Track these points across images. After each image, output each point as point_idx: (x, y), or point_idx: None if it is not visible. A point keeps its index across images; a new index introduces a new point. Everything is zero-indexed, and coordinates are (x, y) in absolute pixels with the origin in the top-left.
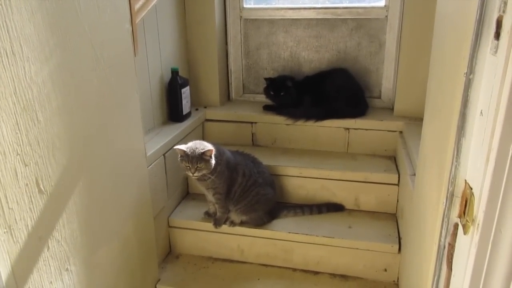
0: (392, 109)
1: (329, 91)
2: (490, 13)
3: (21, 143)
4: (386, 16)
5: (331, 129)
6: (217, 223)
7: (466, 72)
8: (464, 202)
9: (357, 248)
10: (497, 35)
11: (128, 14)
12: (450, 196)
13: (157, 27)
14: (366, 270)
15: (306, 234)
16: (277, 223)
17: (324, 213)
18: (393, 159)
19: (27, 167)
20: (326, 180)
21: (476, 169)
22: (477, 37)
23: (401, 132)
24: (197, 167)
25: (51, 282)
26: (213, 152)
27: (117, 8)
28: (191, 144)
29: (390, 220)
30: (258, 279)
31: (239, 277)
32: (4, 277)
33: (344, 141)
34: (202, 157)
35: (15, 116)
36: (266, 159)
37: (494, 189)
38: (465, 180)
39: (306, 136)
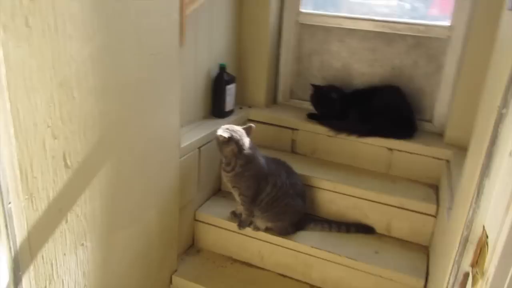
0: (443, 135)
1: (377, 108)
2: None
3: (53, 116)
4: (449, 37)
5: (374, 147)
6: (241, 225)
7: (500, 105)
8: (478, 251)
9: (380, 276)
10: None
11: (178, 4)
12: (464, 241)
13: (211, 21)
14: None
15: (329, 251)
16: (301, 235)
17: (352, 232)
18: (435, 188)
19: (56, 140)
20: (360, 199)
21: (495, 216)
22: None
23: (448, 161)
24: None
25: (65, 254)
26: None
27: None
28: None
29: (422, 252)
30: None
31: (255, 282)
32: (18, 241)
33: (385, 161)
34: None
35: (51, 90)
36: (301, 168)
37: (510, 242)
38: (483, 226)
39: (347, 151)
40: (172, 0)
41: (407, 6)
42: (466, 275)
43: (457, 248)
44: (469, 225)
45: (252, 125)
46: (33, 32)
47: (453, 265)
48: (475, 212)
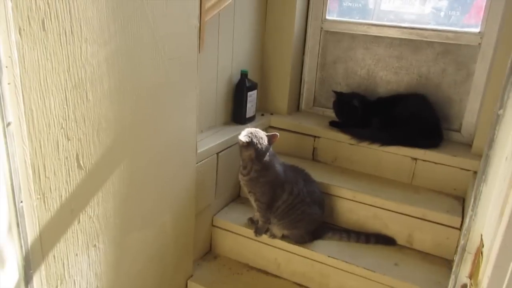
0: (471, 145)
1: (401, 116)
2: None
3: (67, 118)
4: (479, 44)
5: (397, 156)
6: (258, 232)
7: (496, 107)
8: (476, 261)
9: None
10: None
11: (197, 11)
12: (461, 251)
13: (233, 27)
14: None
15: (346, 262)
16: (319, 243)
17: (371, 243)
18: (461, 200)
19: (69, 141)
20: (380, 209)
21: (491, 224)
22: None
23: (475, 172)
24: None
25: (76, 254)
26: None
27: (186, 3)
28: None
29: (444, 266)
30: None
31: None
32: (30, 240)
33: (409, 171)
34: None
35: (65, 92)
36: (322, 176)
37: (504, 252)
38: (481, 235)
39: (368, 160)
40: (191, 6)
41: (442, 14)
42: (464, 287)
43: (455, 259)
44: (466, 234)
45: (277, 134)
46: (49, 35)
47: (450, 276)
48: (472, 220)
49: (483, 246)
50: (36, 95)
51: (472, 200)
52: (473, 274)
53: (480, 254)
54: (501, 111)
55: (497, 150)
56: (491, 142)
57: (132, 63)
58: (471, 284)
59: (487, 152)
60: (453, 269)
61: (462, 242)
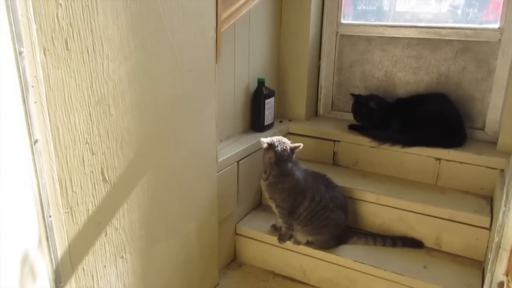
0: (496, 143)
1: (422, 116)
2: None
3: (91, 133)
4: (499, 40)
5: (420, 157)
6: (281, 239)
7: None
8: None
9: None
10: None
11: (214, 22)
12: (496, 248)
13: (248, 36)
14: None
15: (374, 266)
16: (344, 248)
17: (398, 246)
18: (490, 199)
19: (94, 156)
20: (406, 211)
21: None
22: None
23: (502, 170)
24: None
25: (105, 266)
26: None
27: (203, 15)
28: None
29: (475, 268)
30: None
31: None
32: (59, 254)
33: (433, 172)
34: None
35: (89, 108)
36: (343, 181)
37: None
38: None
39: (391, 162)
40: (207, 17)
41: (459, 11)
42: (501, 285)
43: (490, 256)
44: (500, 230)
45: (301, 144)
46: (72, 54)
47: (485, 275)
48: (506, 216)
49: None
50: (61, 112)
51: (505, 195)
52: (510, 271)
53: None
54: None
55: None
56: None
57: (152, 77)
58: (508, 281)
59: None
60: (489, 267)
61: (496, 239)
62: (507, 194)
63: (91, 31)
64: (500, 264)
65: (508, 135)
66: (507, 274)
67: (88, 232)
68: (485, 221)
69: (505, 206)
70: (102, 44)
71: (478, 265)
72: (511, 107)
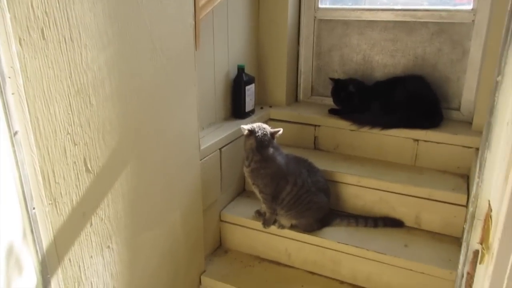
0: (471, 123)
1: (400, 98)
2: None
3: (72, 123)
4: (473, 21)
5: (399, 139)
6: (266, 223)
7: (495, 74)
8: (486, 226)
9: (411, 270)
10: None
11: (192, 9)
12: (471, 218)
13: (227, 23)
14: None
15: (356, 247)
16: (328, 231)
17: (380, 227)
18: (466, 178)
19: (76, 146)
20: (386, 192)
21: (497, 188)
22: (508, 33)
23: (477, 149)
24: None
25: (91, 256)
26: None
27: (181, 2)
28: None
29: (454, 244)
30: (302, 286)
31: (283, 281)
32: (45, 245)
33: (411, 153)
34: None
35: (69, 98)
36: (325, 165)
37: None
38: (488, 201)
39: (371, 144)
40: (187, 5)
41: None
42: (476, 253)
43: (465, 227)
44: (474, 201)
45: (281, 129)
46: (49, 43)
47: (462, 244)
48: (479, 187)
49: (491, 210)
50: (40, 103)
51: (478, 167)
52: (484, 239)
53: (489, 219)
54: (499, 78)
55: (498, 117)
56: (492, 109)
57: (131, 66)
58: (482, 248)
59: (488, 119)
60: (464, 237)
61: (471, 209)
62: (480, 166)
63: (68, 19)
64: (475, 234)
65: (483, 115)
66: (481, 243)
67: (73, 223)
68: (462, 199)
69: (479, 177)
70: (79, 32)
71: (456, 242)
72: (485, 88)
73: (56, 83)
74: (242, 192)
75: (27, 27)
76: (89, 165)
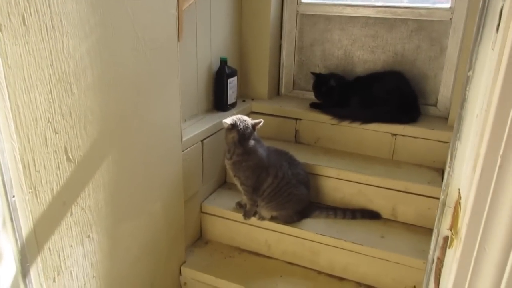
0: (447, 118)
1: (379, 94)
2: (495, 2)
3: (53, 112)
4: (451, 19)
5: (377, 133)
6: (246, 215)
7: (466, 68)
8: (455, 213)
9: (387, 260)
10: (498, 28)
11: (175, 0)
12: (442, 206)
13: (210, 15)
14: (395, 284)
15: (334, 238)
16: (307, 222)
17: (357, 218)
18: (441, 171)
19: (57, 135)
20: (364, 185)
21: (466, 177)
22: (479, 30)
23: None
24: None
25: (71, 246)
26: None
27: None
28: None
29: (428, 235)
30: (281, 276)
31: (262, 271)
32: (24, 234)
33: (389, 147)
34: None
35: (50, 86)
36: (305, 157)
37: (479, 200)
38: (458, 190)
39: (350, 138)
40: None
41: None
42: (446, 239)
43: (436, 214)
44: (445, 189)
45: (261, 120)
46: (30, 30)
47: (433, 231)
48: (450, 176)
49: (460, 198)
50: (21, 90)
51: (449, 157)
52: (453, 225)
53: (459, 206)
54: (470, 73)
55: (469, 110)
56: (463, 102)
57: (114, 55)
58: (451, 234)
59: (460, 111)
60: (435, 224)
61: (442, 197)
62: (451, 157)
63: (49, 6)
64: (445, 220)
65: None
66: (451, 229)
67: (53, 211)
68: (437, 192)
69: (450, 167)
70: (61, 20)
71: (430, 233)
72: (461, 84)
73: (37, 70)
74: (223, 184)
75: (8, 13)
76: (70, 154)
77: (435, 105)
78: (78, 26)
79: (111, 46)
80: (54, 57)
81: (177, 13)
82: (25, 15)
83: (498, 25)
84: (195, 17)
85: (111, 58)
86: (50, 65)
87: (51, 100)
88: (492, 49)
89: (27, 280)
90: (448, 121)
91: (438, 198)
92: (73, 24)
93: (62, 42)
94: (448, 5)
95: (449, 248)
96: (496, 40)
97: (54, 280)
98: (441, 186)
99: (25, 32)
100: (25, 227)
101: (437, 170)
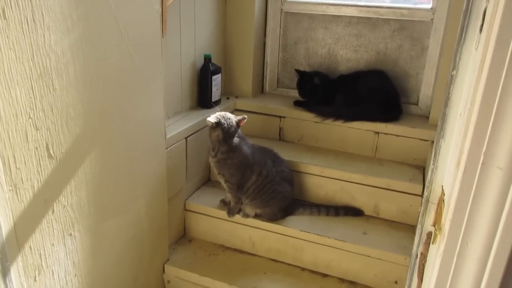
0: (428, 117)
1: (362, 92)
2: (478, 3)
3: (34, 108)
4: (432, 19)
5: (360, 131)
6: (230, 212)
7: (450, 68)
8: (439, 210)
9: (369, 256)
10: (482, 28)
11: None
12: (425, 202)
13: (194, 12)
14: (377, 280)
15: (318, 235)
16: (291, 219)
17: (340, 215)
18: (422, 169)
19: (38, 131)
20: (347, 182)
21: (450, 174)
22: (463, 30)
23: (433, 142)
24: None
25: (53, 244)
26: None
27: None
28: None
29: (409, 231)
30: (265, 273)
31: (246, 268)
32: (4, 232)
33: (372, 145)
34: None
35: (31, 82)
36: (289, 155)
37: (462, 196)
38: (442, 186)
39: (334, 136)
40: None
41: None
42: (429, 234)
43: (420, 210)
44: (428, 186)
45: (245, 116)
46: (11, 24)
47: (417, 227)
48: (434, 173)
49: (444, 195)
50: (1, 86)
51: (433, 154)
52: (437, 221)
53: (442, 202)
54: (454, 72)
55: (453, 108)
56: (447, 101)
57: (97, 51)
58: (435, 230)
59: (443, 110)
60: (419, 220)
61: (425, 194)
62: (435, 154)
63: (30, 0)
64: (428, 216)
65: (439, 109)
66: (434, 224)
67: (34, 209)
68: (418, 189)
69: (433, 164)
70: (42, 14)
71: (411, 229)
72: (442, 84)
73: (18, 65)
74: (207, 181)
75: None
76: (51, 151)
77: (416, 103)
78: (60, 21)
79: (94, 42)
80: (35, 52)
81: (161, 9)
82: (5, 8)
83: (482, 25)
84: (179, 14)
85: (94, 54)
86: (31, 59)
87: (32, 96)
88: (476, 49)
89: (7, 279)
90: (429, 120)
91: (419, 195)
92: (55, 18)
93: (44, 36)
94: (429, 6)
95: (432, 243)
96: (480, 40)
97: (35, 279)
98: (422, 183)
99: (5, 25)
100: (5, 225)
101: (418, 168)
